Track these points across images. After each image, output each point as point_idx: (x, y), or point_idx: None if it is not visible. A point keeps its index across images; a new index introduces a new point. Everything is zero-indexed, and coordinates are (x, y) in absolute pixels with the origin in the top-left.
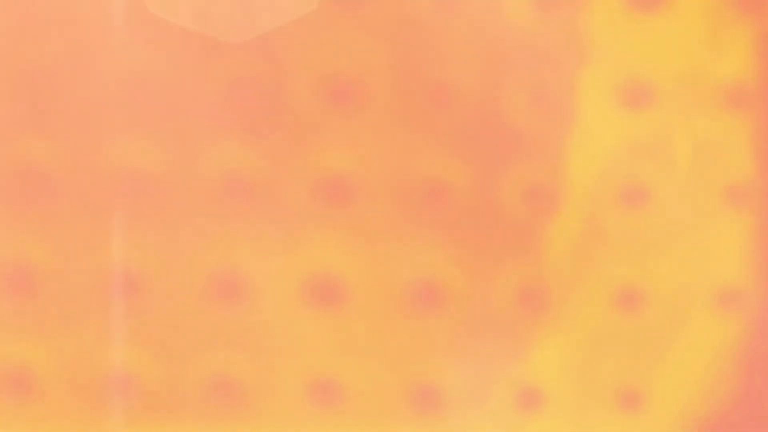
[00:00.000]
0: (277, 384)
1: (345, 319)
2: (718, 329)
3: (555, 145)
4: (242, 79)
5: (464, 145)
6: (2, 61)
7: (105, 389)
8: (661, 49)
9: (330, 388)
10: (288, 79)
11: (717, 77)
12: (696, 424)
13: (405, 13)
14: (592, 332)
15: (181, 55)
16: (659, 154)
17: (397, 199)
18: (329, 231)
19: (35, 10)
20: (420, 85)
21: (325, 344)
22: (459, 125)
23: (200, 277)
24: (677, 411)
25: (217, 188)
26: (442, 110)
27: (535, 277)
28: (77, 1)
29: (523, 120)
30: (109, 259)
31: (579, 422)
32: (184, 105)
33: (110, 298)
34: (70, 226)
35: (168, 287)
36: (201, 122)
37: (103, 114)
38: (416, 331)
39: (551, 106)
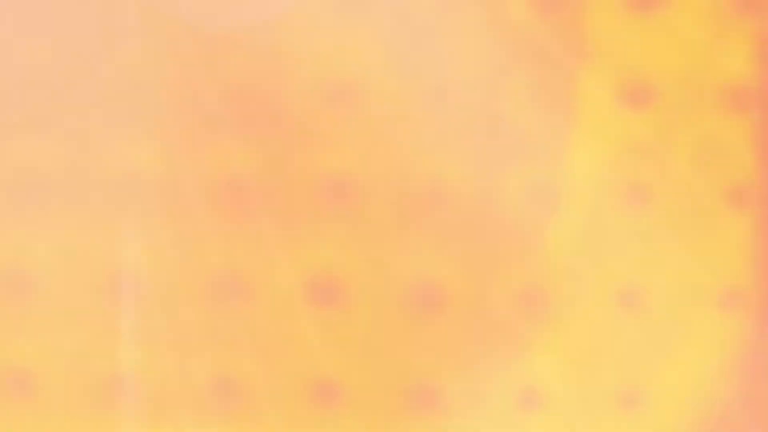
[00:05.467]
0: (277, 384)
1: (346, 320)
2: (718, 329)
3: (555, 145)
4: (243, 80)
5: (464, 146)
6: (3, 62)
7: (108, 390)
8: (661, 49)
9: (330, 388)
10: (288, 80)
11: (717, 77)
12: (696, 424)
13: None
14: (592, 332)
15: (183, 57)
16: (659, 154)
17: (398, 200)
18: (331, 232)
19: (37, 12)
20: (421, 84)
21: (326, 345)
22: (459, 126)
23: (201, 277)
24: (677, 411)
25: (219, 189)
26: (442, 114)
27: (536, 278)
28: (79, 3)
29: (523, 120)
30: (112, 259)
31: (579, 422)
32: (184, 105)
33: (113, 298)
34: (72, 226)
35: (169, 287)
36: (201, 123)
37: (104, 115)
38: (417, 332)
39: (551, 106)
